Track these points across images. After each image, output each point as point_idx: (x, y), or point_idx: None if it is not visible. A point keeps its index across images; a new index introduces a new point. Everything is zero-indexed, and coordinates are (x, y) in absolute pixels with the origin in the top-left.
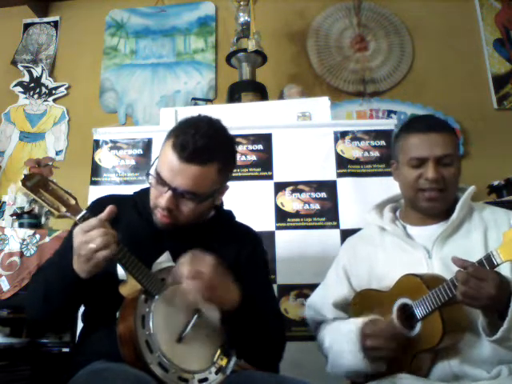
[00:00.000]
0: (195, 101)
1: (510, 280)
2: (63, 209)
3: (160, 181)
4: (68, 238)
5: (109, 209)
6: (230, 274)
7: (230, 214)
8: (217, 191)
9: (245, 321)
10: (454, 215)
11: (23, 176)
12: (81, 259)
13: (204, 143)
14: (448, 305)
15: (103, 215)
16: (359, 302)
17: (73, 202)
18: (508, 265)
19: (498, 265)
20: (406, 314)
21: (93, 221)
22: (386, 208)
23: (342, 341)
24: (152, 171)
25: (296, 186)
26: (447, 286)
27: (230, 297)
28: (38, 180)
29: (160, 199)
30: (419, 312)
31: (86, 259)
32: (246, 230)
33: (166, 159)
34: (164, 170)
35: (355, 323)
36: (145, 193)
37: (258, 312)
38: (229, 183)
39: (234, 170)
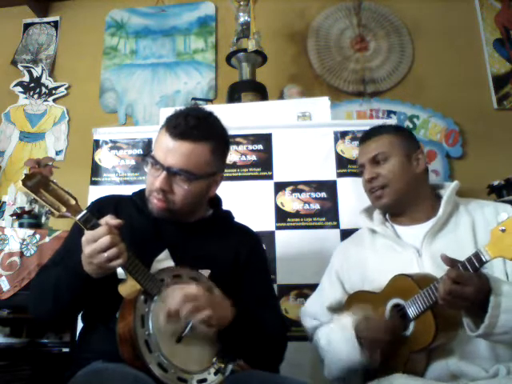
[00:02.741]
0: (195, 101)
1: (488, 276)
2: (63, 209)
3: (154, 162)
4: (70, 238)
5: (117, 222)
6: (216, 289)
7: (228, 214)
8: (211, 176)
9: (242, 331)
10: (440, 212)
11: (23, 175)
12: (92, 266)
13: (196, 123)
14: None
15: (113, 222)
16: (352, 304)
17: (73, 202)
18: (501, 263)
19: (486, 261)
20: (399, 314)
21: (101, 229)
22: (376, 210)
23: (337, 332)
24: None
25: (296, 186)
26: (438, 285)
27: (225, 315)
28: (39, 180)
29: (154, 182)
30: (411, 312)
31: (99, 267)
32: (244, 229)
33: (159, 142)
34: (158, 151)
35: (349, 316)
36: (143, 192)
37: (256, 319)
38: (229, 182)
39: (234, 170)
